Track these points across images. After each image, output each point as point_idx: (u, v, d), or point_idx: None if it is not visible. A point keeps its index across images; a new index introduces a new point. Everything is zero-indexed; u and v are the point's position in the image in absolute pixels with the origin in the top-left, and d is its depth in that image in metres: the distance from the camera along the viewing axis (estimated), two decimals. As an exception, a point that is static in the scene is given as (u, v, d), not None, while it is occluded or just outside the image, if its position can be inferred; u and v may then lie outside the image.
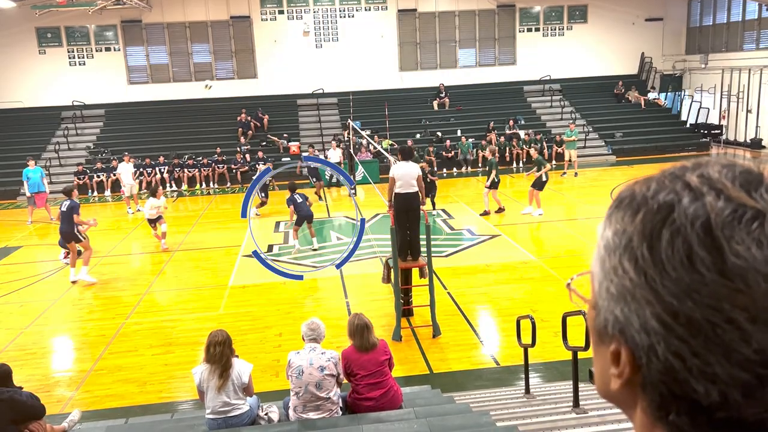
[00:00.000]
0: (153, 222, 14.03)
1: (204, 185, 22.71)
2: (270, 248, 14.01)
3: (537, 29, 28.08)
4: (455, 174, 22.85)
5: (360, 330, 5.66)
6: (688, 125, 26.46)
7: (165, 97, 26.22)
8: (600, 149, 24.74)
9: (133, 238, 15.71)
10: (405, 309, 9.30)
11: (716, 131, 25.81)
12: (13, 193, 21.75)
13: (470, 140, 23.77)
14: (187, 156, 22.96)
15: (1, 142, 24.15)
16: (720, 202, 0.58)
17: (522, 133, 24.24)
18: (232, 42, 26.69)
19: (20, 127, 24.89)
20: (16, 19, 24.88)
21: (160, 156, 22.72)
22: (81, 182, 21.87)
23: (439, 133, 24.59)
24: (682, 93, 27.92)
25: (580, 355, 5.67)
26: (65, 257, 13.22)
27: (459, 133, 24.43)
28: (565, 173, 21.22)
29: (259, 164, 21.93)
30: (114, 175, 20.91)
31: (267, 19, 26.60)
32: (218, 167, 22.75)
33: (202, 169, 22.71)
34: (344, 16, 26.80)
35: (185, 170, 22.68)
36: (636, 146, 24.53)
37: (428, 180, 15.16)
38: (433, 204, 16.49)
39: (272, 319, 9.80)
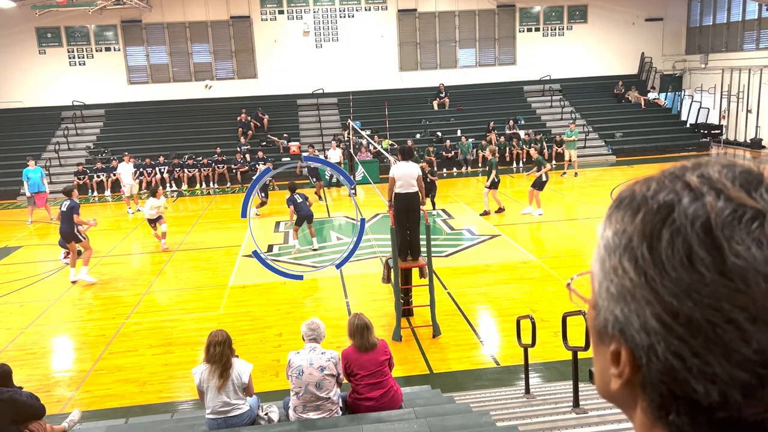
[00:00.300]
0: (153, 222, 14.04)
1: (204, 185, 22.72)
2: (270, 248, 14.01)
3: (537, 29, 28.09)
4: (455, 174, 22.85)
5: (360, 330, 5.66)
6: (688, 125, 26.46)
7: (165, 97, 26.23)
8: (600, 149, 24.74)
9: (133, 238, 15.71)
10: (405, 309, 9.30)
11: (716, 131, 25.81)
12: (13, 193, 21.75)
13: (470, 140, 23.77)
14: (187, 156, 22.96)
15: (1, 142, 24.16)
16: (720, 202, 0.58)
17: (522, 133, 24.24)
18: (232, 42, 26.69)
19: (20, 127, 24.90)
20: (16, 19, 24.88)
21: (160, 156, 22.73)
22: (81, 182, 21.87)
23: (439, 133, 24.59)
24: (682, 93, 27.91)
25: (580, 355, 5.67)
26: (65, 257, 13.22)
27: (459, 133, 24.44)
28: (565, 173, 21.22)
29: (259, 164, 21.93)
30: (114, 175, 20.91)
31: (267, 19, 26.60)
32: (218, 167, 22.75)
33: (202, 169, 22.72)
34: (344, 16, 26.80)
35: (185, 170, 22.69)
36: (636, 146, 24.53)
37: (428, 180, 15.17)
38: (433, 204, 16.50)
39: (272, 319, 9.80)
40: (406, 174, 8.97)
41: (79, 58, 26.10)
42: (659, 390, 0.61)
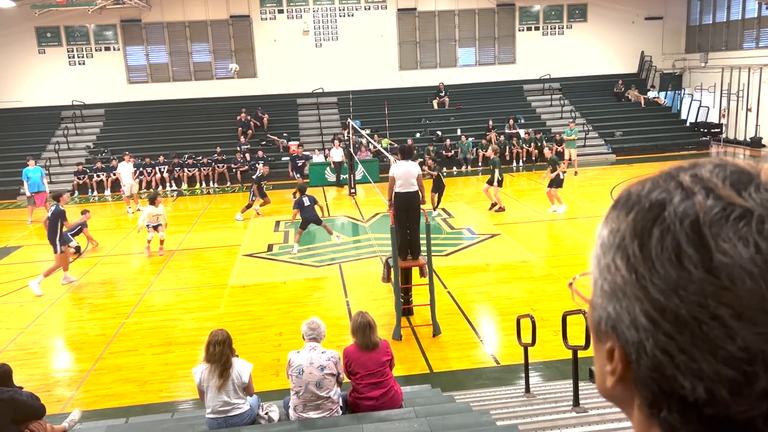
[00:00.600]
0: (155, 227, 13.70)
1: (204, 185, 22.71)
2: (270, 247, 14.01)
3: (537, 28, 28.08)
4: (455, 173, 22.84)
5: (362, 328, 5.67)
6: (687, 124, 26.46)
7: (165, 97, 26.22)
8: (600, 148, 24.74)
9: (133, 238, 15.69)
10: (405, 308, 9.30)
11: (716, 130, 25.81)
12: (13, 193, 21.75)
13: (470, 139, 23.77)
14: (186, 155, 22.96)
15: (1, 141, 24.15)
16: (709, 200, 0.59)
17: (522, 132, 24.23)
18: (231, 41, 26.68)
19: (20, 127, 24.89)
20: (15, 19, 24.88)
21: (160, 155, 22.73)
22: (81, 182, 21.89)
23: (439, 133, 24.59)
24: (682, 92, 27.90)
25: (580, 354, 5.67)
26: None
27: (459, 132, 24.44)
28: (564, 172, 21.18)
29: (258, 163, 21.95)
30: (114, 174, 20.90)
31: (267, 19, 26.59)
32: (218, 167, 22.75)
33: (201, 169, 22.72)
34: (344, 16, 26.79)
35: (185, 170, 22.68)
36: (636, 145, 24.52)
37: (435, 176, 15.16)
38: (437, 204, 16.27)
39: (272, 318, 9.80)
40: (406, 173, 8.97)
41: (78, 57, 26.09)
42: (650, 387, 0.61)
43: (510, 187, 19.46)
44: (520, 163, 23.38)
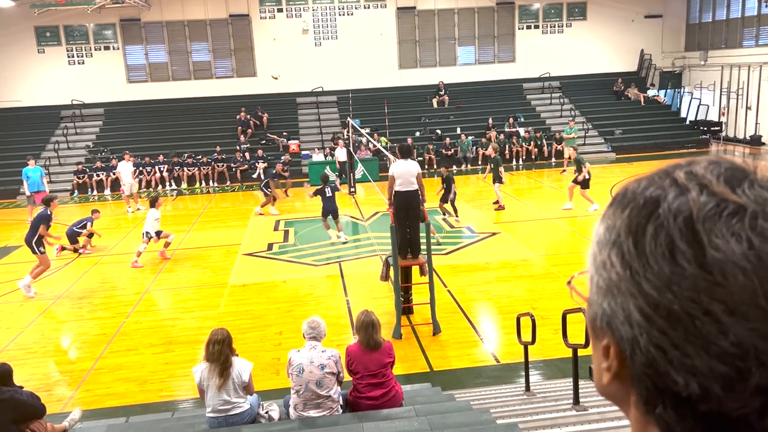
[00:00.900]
0: (158, 234, 13.59)
1: (203, 184, 22.72)
2: (270, 246, 14.01)
3: (536, 26, 28.06)
4: (455, 172, 22.81)
5: (365, 326, 5.68)
6: (687, 122, 26.45)
7: (164, 96, 26.21)
8: (599, 146, 24.71)
9: (134, 237, 15.68)
10: (405, 307, 9.31)
11: (716, 128, 25.81)
12: (12, 193, 21.75)
13: (470, 138, 23.77)
14: (186, 154, 22.95)
15: (1, 141, 24.14)
16: (703, 196, 0.60)
17: (522, 131, 24.23)
18: (231, 40, 26.67)
19: (19, 127, 24.88)
20: (15, 18, 24.87)
21: (159, 155, 22.73)
22: (81, 181, 21.89)
23: (439, 131, 24.58)
24: (682, 90, 27.89)
25: (580, 352, 5.67)
26: (59, 252, 13.42)
27: (458, 130, 24.43)
28: (564, 170, 21.21)
29: (258, 162, 21.95)
30: (113, 173, 20.91)
31: (266, 18, 26.58)
32: (218, 166, 22.75)
33: (201, 168, 22.72)
34: (343, 14, 26.78)
35: (185, 169, 22.68)
36: (635, 143, 24.52)
37: (444, 176, 14.85)
38: (444, 203, 15.63)
39: (272, 317, 9.80)
40: (405, 172, 8.97)
41: (78, 57, 26.08)
42: (644, 383, 0.62)
43: (510, 186, 19.45)
44: (520, 162, 23.37)
